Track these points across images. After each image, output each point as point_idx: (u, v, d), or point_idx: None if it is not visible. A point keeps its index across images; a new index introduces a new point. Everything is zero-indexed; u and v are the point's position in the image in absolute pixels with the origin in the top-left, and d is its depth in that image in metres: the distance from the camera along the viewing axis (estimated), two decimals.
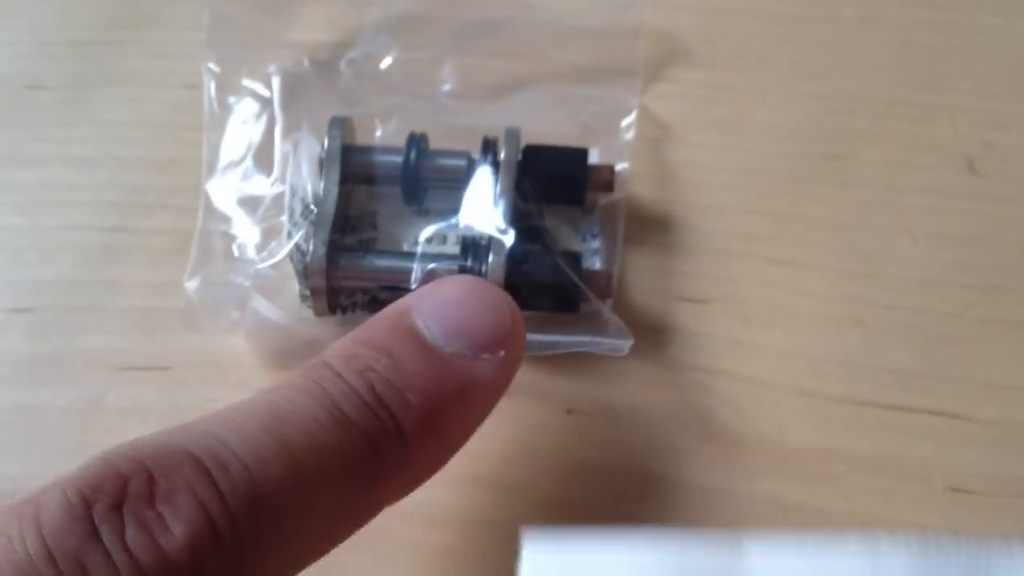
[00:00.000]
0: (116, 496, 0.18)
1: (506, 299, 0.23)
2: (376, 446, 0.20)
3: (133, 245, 0.32)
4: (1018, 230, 0.31)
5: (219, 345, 0.30)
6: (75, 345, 0.30)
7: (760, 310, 0.30)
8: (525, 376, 0.29)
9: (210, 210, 0.31)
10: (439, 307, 0.22)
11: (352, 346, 0.22)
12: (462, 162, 0.30)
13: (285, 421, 0.20)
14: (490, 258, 0.27)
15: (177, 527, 0.18)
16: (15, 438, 0.29)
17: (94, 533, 0.17)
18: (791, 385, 0.29)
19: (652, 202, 0.32)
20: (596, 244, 0.31)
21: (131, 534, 0.17)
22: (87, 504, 0.18)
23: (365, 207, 0.31)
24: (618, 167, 0.31)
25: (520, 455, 0.28)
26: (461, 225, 0.30)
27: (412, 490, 0.22)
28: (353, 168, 0.30)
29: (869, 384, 0.29)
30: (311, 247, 0.28)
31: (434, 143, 0.31)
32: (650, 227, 0.32)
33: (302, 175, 0.30)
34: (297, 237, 0.29)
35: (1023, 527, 0.27)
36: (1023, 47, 0.34)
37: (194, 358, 0.30)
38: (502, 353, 0.22)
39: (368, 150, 0.31)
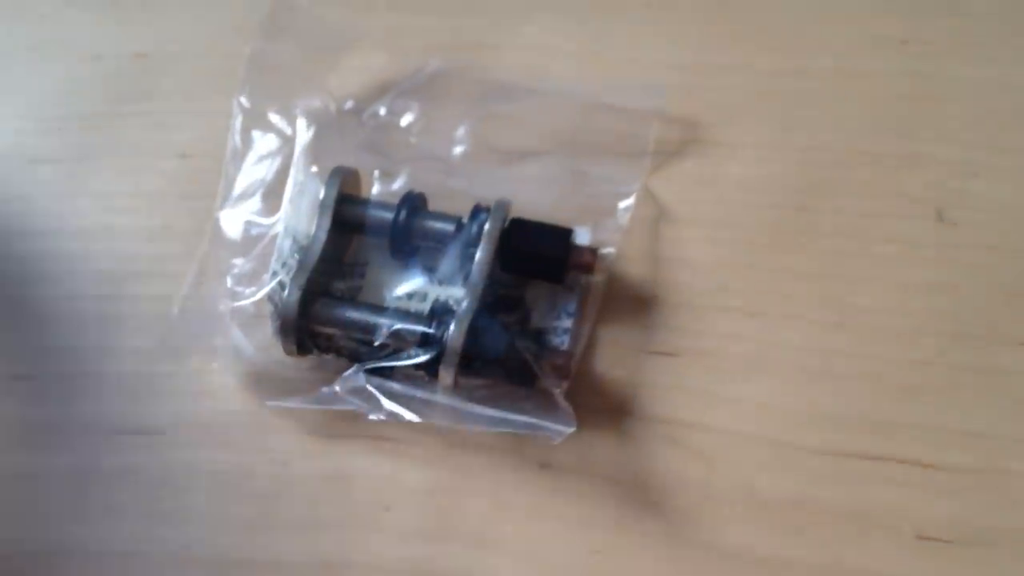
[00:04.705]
0: None
1: None
2: None
3: (126, 312, 0.33)
4: (987, 278, 0.31)
5: (210, 409, 0.31)
6: (71, 411, 0.31)
7: (731, 362, 0.31)
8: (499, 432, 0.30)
9: (218, 239, 0.32)
10: None
11: None
12: (450, 226, 0.31)
13: None
14: (451, 327, 0.28)
15: None
16: (14, 503, 0.30)
17: None
18: (762, 436, 0.30)
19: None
20: (569, 323, 0.31)
21: None
22: None
23: (358, 256, 0.32)
24: (604, 250, 0.31)
25: (495, 510, 0.29)
26: (438, 287, 0.31)
27: None
28: (348, 218, 0.31)
29: (840, 434, 0.29)
30: (287, 290, 0.29)
31: (434, 203, 0.32)
32: (623, 281, 0.32)
33: (300, 217, 0.31)
34: (281, 275, 0.30)
35: None
36: (991, 97, 0.35)
37: (185, 421, 0.31)
38: None
39: (364, 203, 0.32)
